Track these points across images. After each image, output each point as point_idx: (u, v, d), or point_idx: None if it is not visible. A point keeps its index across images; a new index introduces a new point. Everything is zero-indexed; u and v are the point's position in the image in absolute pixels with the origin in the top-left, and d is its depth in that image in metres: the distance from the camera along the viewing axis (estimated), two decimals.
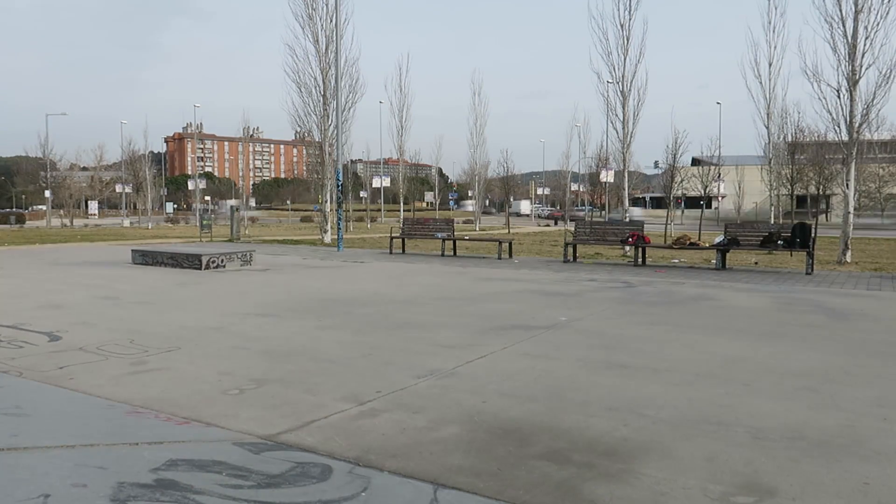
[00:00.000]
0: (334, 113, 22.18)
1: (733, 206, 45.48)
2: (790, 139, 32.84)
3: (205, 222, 26.69)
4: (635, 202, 70.43)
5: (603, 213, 55.58)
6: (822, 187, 35.12)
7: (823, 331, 6.57)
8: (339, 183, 20.65)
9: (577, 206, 70.62)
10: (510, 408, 3.94)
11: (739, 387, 4.42)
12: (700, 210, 28.97)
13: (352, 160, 63.59)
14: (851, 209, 14.93)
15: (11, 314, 7.11)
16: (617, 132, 19.44)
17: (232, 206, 31.19)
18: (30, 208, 74.82)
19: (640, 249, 14.21)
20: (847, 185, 14.72)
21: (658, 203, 66.07)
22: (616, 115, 19.28)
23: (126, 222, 48.41)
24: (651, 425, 3.63)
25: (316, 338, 5.98)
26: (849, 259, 14.66)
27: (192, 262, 12.64)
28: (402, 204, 52.33)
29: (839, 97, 14.34)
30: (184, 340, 5.83)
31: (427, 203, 68.81)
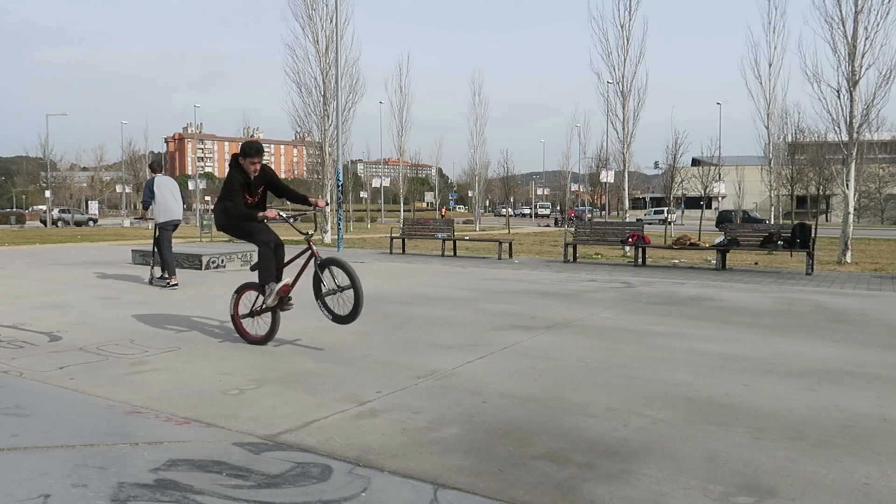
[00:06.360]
0: (334, 113, 22.18)
1: (733, 207, 45.49)
2: (790, 139, 32.88)
3: (205, 222, 26.70)
4: (635, 203, 70.45)
5: (602, 213, 55.53)
6: (822, 188, 35.16)
7: (823, 331, 6.57)
8: (340, 183, 20.66)
9: (576, 206, 70.71)
10: (510, 408, 3.94)
11: (739, 387, 4.42)
12: (700, 210, 29.01)
13: (352, 160, 63.72)
14: (851, 209, 14.94)
15: (11, 314, 7.11)
16: (617, 132, 19.51)
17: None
18: (30, 208, 74.80)
19: (640, 250, 14.22)
20: (847, 185, 14.72)
21: (658, 203, 66.04)
22: (616, 116, 19.34)
23: (126, 222, 48.42)
24: (651, 425, 3.63)
25: (315, 338, 5.97)
26: (849, 259, 14.66)
27: (192, 262, 12.64)
28: (402, 204, 52.34)
29: (839, 98, 14.39)
30: (184, 340, 5.83)
31: (427, 203, 68.88)
